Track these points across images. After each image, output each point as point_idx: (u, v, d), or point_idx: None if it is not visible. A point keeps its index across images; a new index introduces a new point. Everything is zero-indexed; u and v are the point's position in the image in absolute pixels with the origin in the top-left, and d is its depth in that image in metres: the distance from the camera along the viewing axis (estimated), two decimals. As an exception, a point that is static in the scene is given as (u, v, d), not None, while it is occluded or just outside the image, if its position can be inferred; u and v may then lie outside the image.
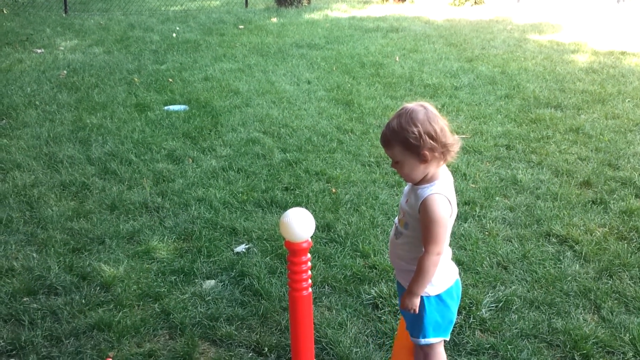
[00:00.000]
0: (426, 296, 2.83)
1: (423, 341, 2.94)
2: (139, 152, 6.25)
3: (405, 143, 2.65)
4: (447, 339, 3.02)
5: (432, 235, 2.66)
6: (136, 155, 6.16)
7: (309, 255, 2.89)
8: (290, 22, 13.54)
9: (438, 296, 2.85)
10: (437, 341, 2.96)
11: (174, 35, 12.01)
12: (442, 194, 2.68)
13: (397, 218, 2.93)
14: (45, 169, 5.88)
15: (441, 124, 2.67)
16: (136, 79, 8.80)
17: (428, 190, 2.68)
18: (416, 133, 2.61)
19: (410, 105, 2.70)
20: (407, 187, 2.87)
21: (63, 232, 4.77)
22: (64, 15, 14.43)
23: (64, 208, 5.14)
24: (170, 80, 8.80)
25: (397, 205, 5.16)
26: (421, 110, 2.65)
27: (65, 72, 9.18)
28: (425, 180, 2.73)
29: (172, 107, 7.64)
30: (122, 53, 10.48)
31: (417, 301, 2.80)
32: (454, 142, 2.70)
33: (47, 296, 4.02)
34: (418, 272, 2.73)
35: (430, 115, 2.66)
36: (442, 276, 2.84)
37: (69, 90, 8.27)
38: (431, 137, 2.63)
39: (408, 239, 2.82)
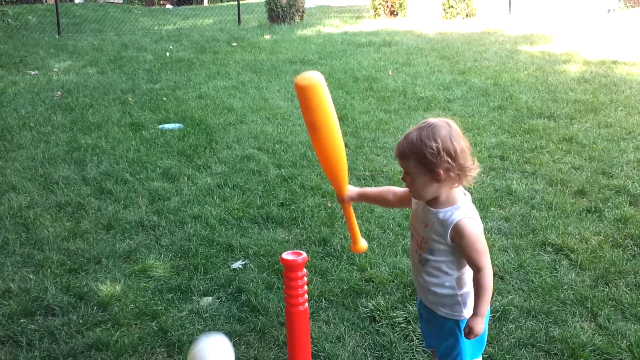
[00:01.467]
0: (461, 319, 2.73)
1: None
2: (134, 171, 6.26)
3: (421, 157, 2.54)
4: (480, 359, 2.90)
5: (477, 252, 2.57)
6: (131, 175, 6.18)
7: (304, 270, 2.89)
8: (283, 39, 13.62)
9: None
10: None
11: (168, 54, 12.07)
12: (470, 217, 2.59)
13: (412, 242, 2.81)
14: (40, 190, 5.88)
15: (462, 144, 2.57)
16: (130, 99, 8.83)
17: (455, 215, 2.58)
18: (434, 149, 2.50)
19: (434, 120, 2.60)
20: (417, 209, 2.76)
21: (59, 253, 4.77)
22: (57, 36, 14.49)
23: (60, 229, 5.15)
24: (165, 99, 8.83)
25: (393, 219, 5.17)
26: (444, 127, 2.56)
27: (59, 93, 9.21)
28: (441, 202, 2.63)
29: (166, 126, 7.67)
30: (116, 73, 10.52)
31: (483, 323, 2.66)
32: (473, 166, 2.60)
33: (44, 317, 4.01)
34: (480, 292, 2.60)
35: (454, 133, 2.56)
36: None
37: (64, 111, 8.29)
38: (449, 156, 2.52)
39: (437, 264, 2.70)
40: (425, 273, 2.77)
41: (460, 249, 2.60)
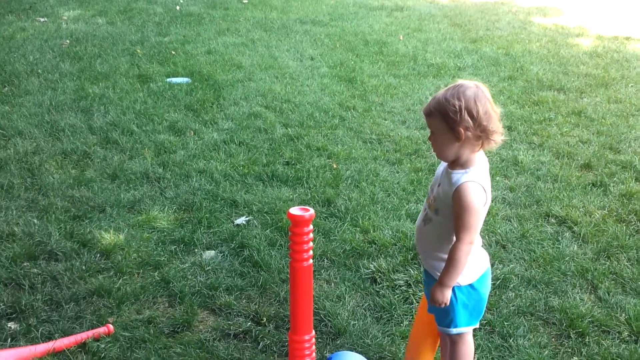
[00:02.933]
0: (457, 286, 2.75)
1: (455, 331, 2.85)
2: (141, 123, 6.24)
3: (444, 115, 2.58)
4: (477, 326, 2.94)
5: (464, 223, 2.58)
6: (138, 126, 6.16)
7: (311, 226, 2.89)
8: (294, -2, 13.46)
9: (470, 285, 2.77)
10: (468, 330, 2.88)
11: (178, 7, 11.95)
12: (477, 182, 2.60)
13: (426, 202, 2.85)
14: (46, 136, 5.88)
15: (487, 107, 2.58)
16: (139, 51, 8.77)
17: (463, 177, 2.60)
18: (456, 107, 2.54)
19: (465, 81, 2.63)
20: (440, 170, 2.79)
21: (64, 200, 4.79)
22: (67, -16, 14.33)
23: (65, 176, 5.15)
24: (173, 52, 8.78)
25: (398, 183, 5.18)
26: (472, 88, 2.58)
27: (68, 41, 9.15)
28: (459, 164, 2.65)
29: (174, 80, 7.63)
30: (125, 24, 10.43)
31: (449, 294, 2.70)
32: (497, 130, 2.61)
33: (47, 262, 4.04)
34: (450, 262, 2.64)
35: (480, 95, 2.58)
36: (474, 265, 2.77)
37: (72, 60, 8.24)
38: (470, 116, 2.55)
39: (438, 225, 2.73)
40: (426, 233, 2.82)
41: (453, 212, 2.63)
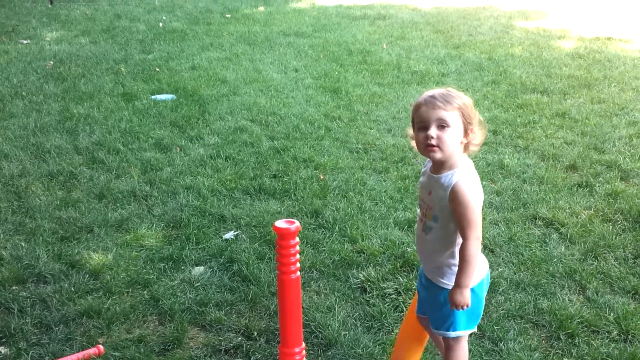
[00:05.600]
0: None
1: (453, 334, 2.86)
2: (127, 141, 6.24)
3: (464, 111, 2.63)
4: (474, 330, 2.96)
5: (468, 220, 2.61)
6: (124, 145, 6.16)
7: (297, 239, 2.90)
8: (277, 11, 13.51)
9: (471, 289, 2.76)
10: (465, 334, 2.90)
11: (161, 24, 11.97)
12: (470, 178, 2.65)
13: (419, 213, 2.86)
14: (32, 159, 5.87)
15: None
16: (123, 69, 8.78)
17: (454, 178, 2.63)
18: (470, 107, 2.65)
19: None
20: (424, 179, 2.81)
21: (51, 221, 4.77)
22: (49, 6, 14.33)
23: (52, 197, 5.14)
24: (157, 69, 8.78)
25: (385, 191, 5.19)
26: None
27: (51, 62, 9.15)
28: (445, 167, 2.68)
29: (159, 97, 7.63)
30: (109, 43, 10.44)
31: (469, 294, 2.70)
32: (480, 134, 2.72)
33: (36, 284, 4.03)
34: (463, 262, 2.65)
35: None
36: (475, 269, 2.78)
37: (56, 81, 8.24)
38: (474, 119, 2.68)
39: (440, 231, 2.74)
40: (428, 242, 2.83)
41: (453, 213, 2.65)
